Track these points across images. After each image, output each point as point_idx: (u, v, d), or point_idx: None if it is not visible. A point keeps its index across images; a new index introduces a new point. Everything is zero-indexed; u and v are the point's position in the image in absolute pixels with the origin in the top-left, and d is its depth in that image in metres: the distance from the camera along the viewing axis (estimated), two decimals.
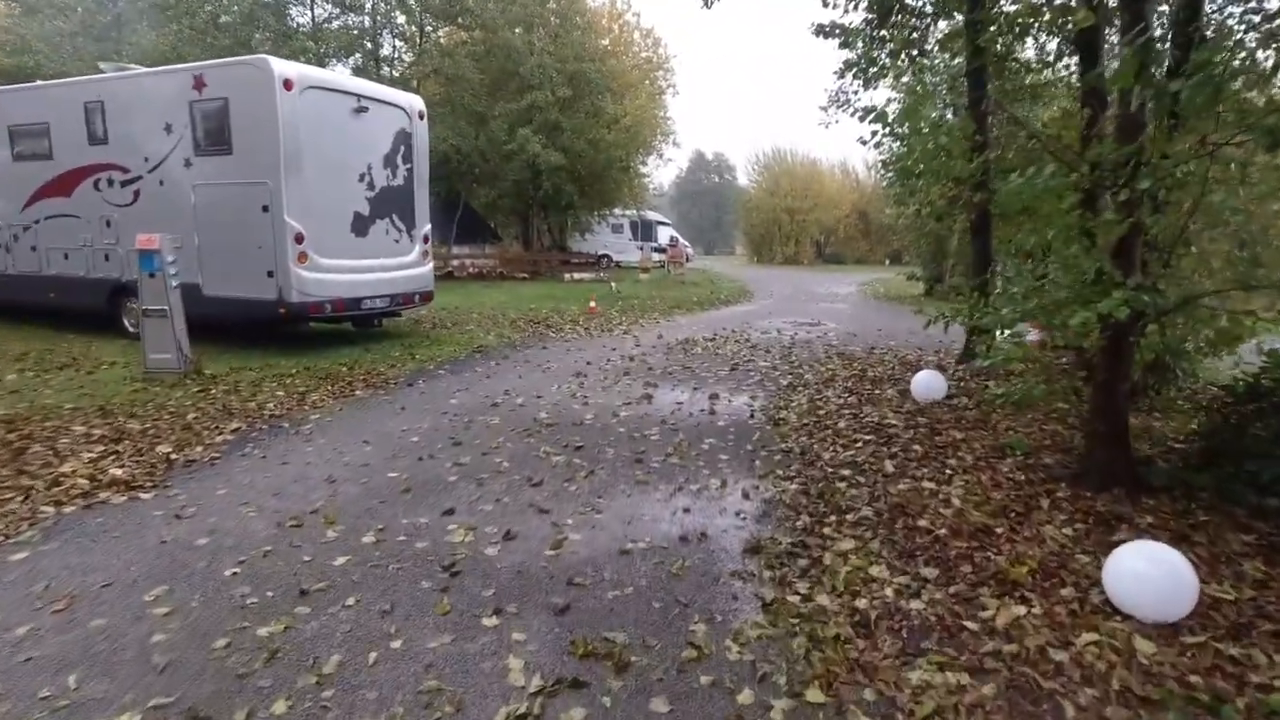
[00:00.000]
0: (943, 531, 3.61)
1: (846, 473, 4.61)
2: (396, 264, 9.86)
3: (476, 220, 28.77)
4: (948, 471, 4.57)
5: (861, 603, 2.98)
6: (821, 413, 6.21)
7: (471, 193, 27.14)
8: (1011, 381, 5.74)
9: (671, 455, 5.06)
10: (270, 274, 8.31)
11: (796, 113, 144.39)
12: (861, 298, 20.35)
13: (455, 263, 25.59)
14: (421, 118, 10.16)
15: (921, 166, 4.65)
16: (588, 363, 8.68)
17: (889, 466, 4.69)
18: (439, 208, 30.36)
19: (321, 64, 21.14)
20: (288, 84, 8.12)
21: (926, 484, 4.33)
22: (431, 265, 10.69)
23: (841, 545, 3.52)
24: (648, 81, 29.11)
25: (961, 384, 7.25)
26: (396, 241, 9.93)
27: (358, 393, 6.91)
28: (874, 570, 3.25)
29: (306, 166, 8.39)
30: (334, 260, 8.85)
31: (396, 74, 22.71)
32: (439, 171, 27.66)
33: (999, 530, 3.61)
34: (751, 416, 6.20)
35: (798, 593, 3.09)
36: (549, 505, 4.12)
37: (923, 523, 3.75)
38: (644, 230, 35.08)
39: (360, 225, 9.29)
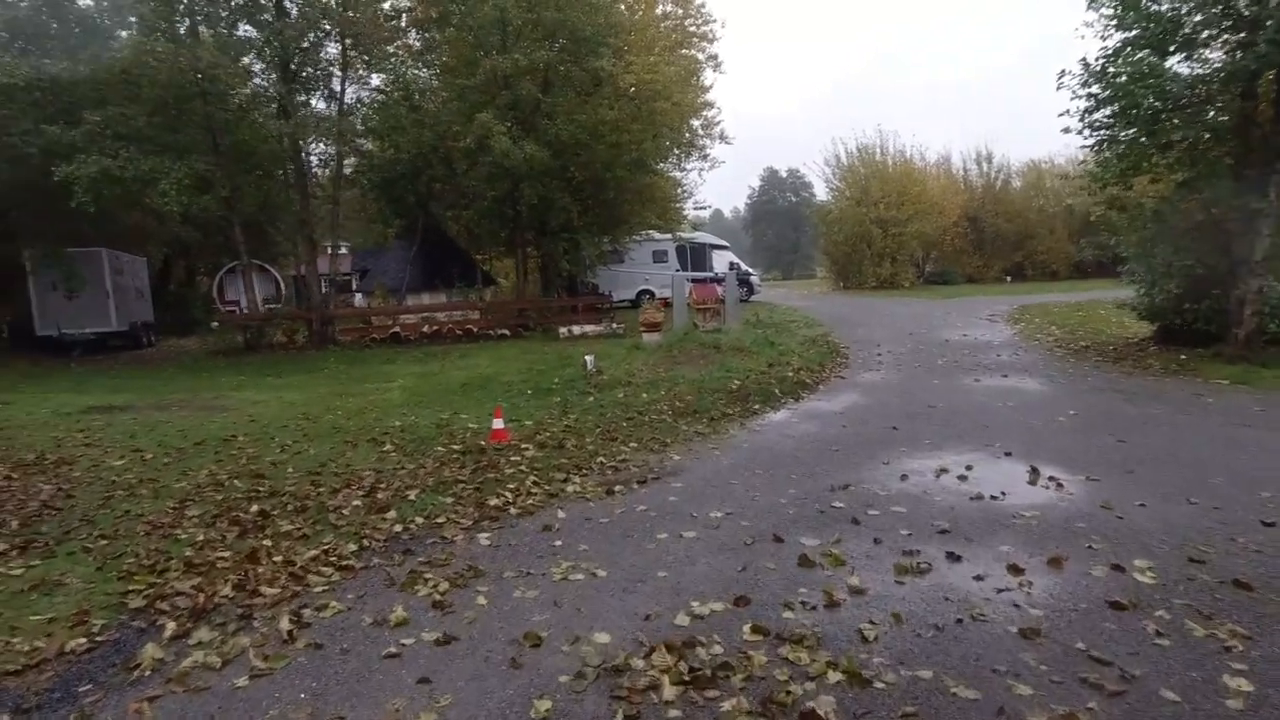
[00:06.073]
0: None
1: None
2: None
3: (453, 255, 21.34)
4: None
5: None
6: None
7: (437, 217, 19.83)
8: None
9: None
10: None
11: (884, 111, 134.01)
12: (1044, 351, 11.54)
13: (407, 319, 17.89)
14: None
15: None
16: None
17: None
18: (399, 250, 21.86)
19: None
20: None
21: None
22: None
23: None
24: (670, 39, 21.06)
25: None
26: None
27: None
28: None
29: None
30: None
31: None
32: (393, 192, 20.17)
33: None
34: None
35: None
36: None
37: None
38: (694, 257, 27.01)
39: None
